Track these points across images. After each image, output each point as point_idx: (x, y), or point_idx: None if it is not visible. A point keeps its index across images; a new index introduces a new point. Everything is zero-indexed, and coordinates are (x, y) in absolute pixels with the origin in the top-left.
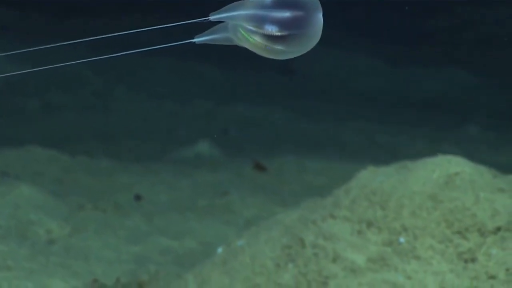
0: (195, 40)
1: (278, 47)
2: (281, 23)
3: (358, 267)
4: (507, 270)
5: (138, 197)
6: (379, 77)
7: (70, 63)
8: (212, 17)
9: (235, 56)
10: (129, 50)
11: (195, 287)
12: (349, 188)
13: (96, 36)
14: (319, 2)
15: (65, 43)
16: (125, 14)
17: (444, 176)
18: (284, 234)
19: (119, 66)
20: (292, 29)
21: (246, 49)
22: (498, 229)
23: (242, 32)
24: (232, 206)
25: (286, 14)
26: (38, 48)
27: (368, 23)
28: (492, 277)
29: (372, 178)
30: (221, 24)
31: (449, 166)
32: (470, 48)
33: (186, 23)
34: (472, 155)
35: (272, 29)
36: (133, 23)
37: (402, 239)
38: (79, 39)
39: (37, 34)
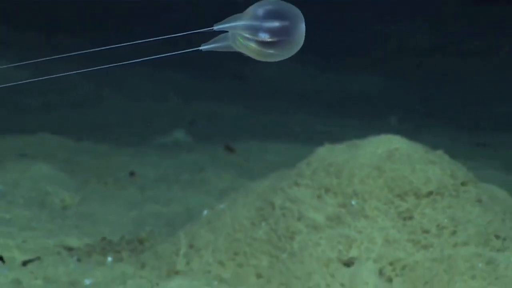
0: (201, 48)
1: (270, 51)
2: (272, 32)
3: (318, 225)
4: (438, 225)
5: (132, 173)
6: (313, 81)
7: (70, 73)
8: (216, 27)
9: (199, 65)
10: (114, 63)
11: (186, 242)
12: (310, 161)
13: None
14: (301, 15)
15: (65, 55)
16: (100, 33)
17: (386, 151)
18: (257, 199)
19: (105, 74)
20: (281, 36)
21: (208, 60)
22: (430, 193)
23: (240, 39)
24: (208, 180)
25: (276, 24)
26: (43, 59)
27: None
28: (426, 231)
29: (328, 153)
30: (222, 34)
31: (390, 143)
32: (383, 57)
33: (192, 33)
34: None
35: (265, 37)
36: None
37: (353, 202)
38: (69, 52)
39: (33, 47)
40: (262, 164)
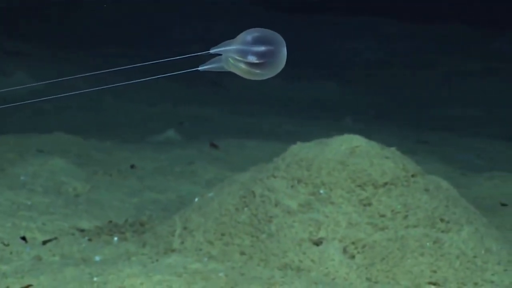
0: (200, 68)
1: (257, 71)
2: (259, 55)
3: (292, 210)
4: (392, 211)
5: (132, 166)
6: (281, 89)
7: (94, 89)
8: (212, 51)
9: (184, 75)
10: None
11: (181, 225)
12: (284, 157)
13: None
14: (284, 41)
15: (121, 68)
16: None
17: (349, 148)
18: (240, 188)
19: (107, 83)
20: (267, 58)
21: (190, 72)
22: (386, 183)
23: (231, 61)
24: (197, 172)
25: (262, 48)
26: (101, 72)
27: None
28: (382, 215)
29: (300, 150)
30: (217, 56)
31: (351, 141)
32: (339, 69)
33: (193, 56)
34: None
35: (253, 59)
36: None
37: (321, 191)
38: (81, 64)
39: (45, 59)
40: (241, 158)
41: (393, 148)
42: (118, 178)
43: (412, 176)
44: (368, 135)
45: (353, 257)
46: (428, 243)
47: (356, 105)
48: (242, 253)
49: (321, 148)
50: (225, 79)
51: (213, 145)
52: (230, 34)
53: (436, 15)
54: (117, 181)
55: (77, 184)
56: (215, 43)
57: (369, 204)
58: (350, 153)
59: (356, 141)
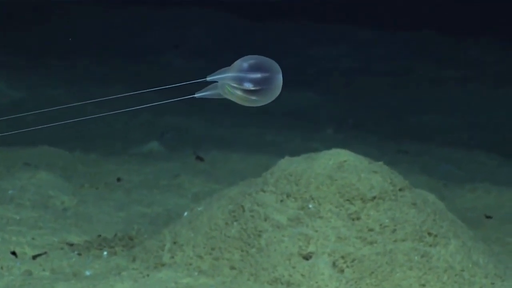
0: (196, 95)
1: (253, 97)
2: (255, 82)
3: (281, 224)
4: (381, 225)
5: (119, 179)
6: None
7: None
8: (208, 78)
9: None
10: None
11: (170, 239)
12: (273, 171)
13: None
14: (279, 67)
15: (137, 92)
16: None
17: (337, 163)
18: (230, 202)
19: (88, 93)
20: (263, 85)
21: (171, 82)
22: (374, 197)
23: (228, 88)
24: (183, 185)
25: (258, 75)
26: (120, 96)
27: None
28: (371, 229)
29: (288, 164)
30: (213, 83)
31: (339, 156)
32: (316, 77)
33: (190, 83)
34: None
35: (249, 86)
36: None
37: (310, 205)
38: (59, 73)
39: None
40: (226, 171)
41: (380, 163)
42: (105, 191)
43: (400, 190)
44: (349, 146)
45: (342, 271)
46: (416, 257)
47: (335, 114)
48: (232, 268)
49: (309, 163)
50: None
51: (199, 158)
52: (202, 42)
53: (409, 22)
54: (104, 195)
55: (64, 197)
56: (187, 51)
57: (358, 218)
58: (338, 167)
59: (344, 155)
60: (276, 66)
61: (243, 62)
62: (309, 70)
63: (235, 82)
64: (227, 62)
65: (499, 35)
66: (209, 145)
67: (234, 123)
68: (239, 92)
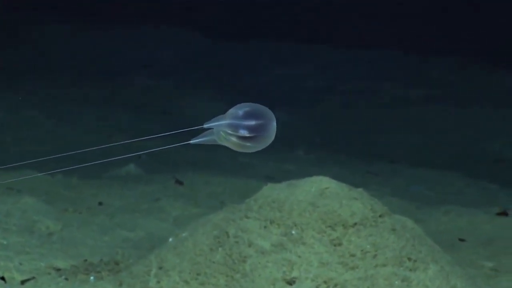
0: (191, 142)
1: (248, 144)
2: (249, 129)
3: (265, 250)
4: (362, 250)
5: (100, 203)
6: None
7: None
8: (205, 125)
9: (132, 105)
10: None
11: (156, 265)
12: (256, 198)
13: None
14: (273, 114)
15: (151, 136)
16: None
17: (319, 190)
18: (214, 228)
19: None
20: (257, 132)
21: (142, 101)
22: (355, 224)
23: (223, 135)
24: (164, 208)
25: (252, 122)
26: (135, 140)
27: (212, 81)
28: (353, 255)
29: (271, 191)
30: (209, 130)
31: (321, 183)
32: (283, 97)
33: (187, 130)
34: (305, 170)
35: (244, 133)
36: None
37: (293, 231)
38: (33, 95)
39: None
40: (205, 194)
41: (360, 189)
42: (88, 216)
43: (380, 216)
44: (321, 167)
45: None
46: (396, 282)
47: (304, 134)
48: None
49: (292, 190)
50: (174, 109)
51: (178, 182)
52: (172, 61)
53: (376, 42)
54: (88, 219)
55: (49, 222)
56: (158, 71)
57: (340, 244)
58: (320, 194)
59: (325, 183)
60: (270, 114)
61: (238, 110)
62: (277, 90)
63: (230, 129)
64: (194, 81)
65: (463, 55)
66: (185, 168)
67: (205, 145)
68: (234, 139)
